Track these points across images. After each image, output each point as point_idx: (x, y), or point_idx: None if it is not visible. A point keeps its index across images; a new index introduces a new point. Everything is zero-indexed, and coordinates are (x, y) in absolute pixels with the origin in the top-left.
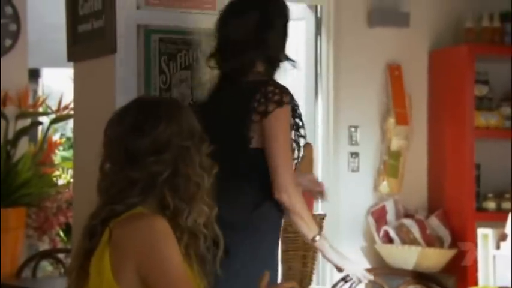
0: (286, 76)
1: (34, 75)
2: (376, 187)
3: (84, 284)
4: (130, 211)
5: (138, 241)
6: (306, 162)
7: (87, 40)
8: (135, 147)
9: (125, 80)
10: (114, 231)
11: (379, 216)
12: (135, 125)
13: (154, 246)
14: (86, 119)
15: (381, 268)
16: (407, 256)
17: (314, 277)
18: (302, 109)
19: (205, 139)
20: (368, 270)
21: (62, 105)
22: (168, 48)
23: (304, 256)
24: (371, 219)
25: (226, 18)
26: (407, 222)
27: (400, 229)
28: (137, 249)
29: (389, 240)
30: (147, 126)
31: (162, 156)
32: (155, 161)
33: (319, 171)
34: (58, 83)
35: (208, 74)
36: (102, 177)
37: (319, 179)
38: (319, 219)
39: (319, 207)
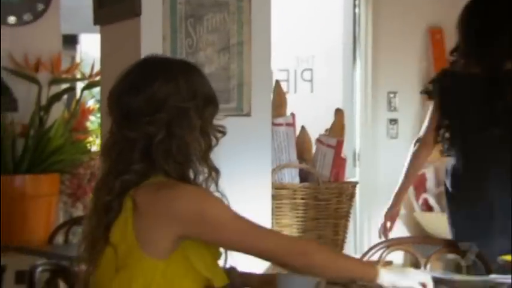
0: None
1: (72, 41)
2: None
3: (100, 256)
4: (149, 180)
5: (178, 209)
6: (337, 128)
7: (112, 3)
8: (130, 106)
9: (150, 43)
10: (139, 199)
11: (418, 184)
12: (132, 83)
13: (200, 212)
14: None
15: (420, 237)
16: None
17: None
18: (339, 75)
19: (212, 103)
20: (406, 238)
21: (95, 71)
22: (194, 10)
23: (335, 224)
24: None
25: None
26: None
27: (440, 197)
28: (180, 217)
29: (428, 208)
30: (143, 84)
31: (155, 116)
32: (149, 121)
33: (357, 137)
34: (96, 49)
35: (235, 37)
36: (107, 138)
37: (358, 146)
38: (351, 187)
39: (356, 173)
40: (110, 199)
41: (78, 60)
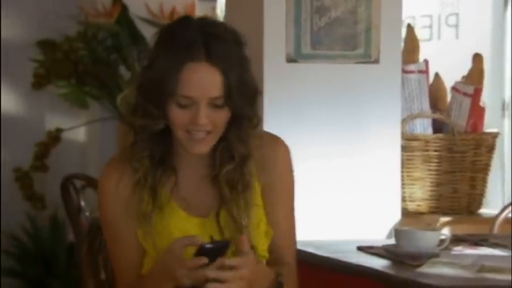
0: None
1: None
2: None
3: None
4: None
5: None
6: (475, 74)
7: None
8: None
9: None
10: None
11: None
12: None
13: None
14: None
15: None
16: None
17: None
18: (489, 19)
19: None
20: None
21: None
22: None
23: (472, 178)
24: None
25: None
26: None
27: None
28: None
29: None
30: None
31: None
32: None
33: (507, 85)
34: None
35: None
36: None
37: (507, 94)
38: (491, 138)
39: (505, 124)
40: None
41: (218, 11)
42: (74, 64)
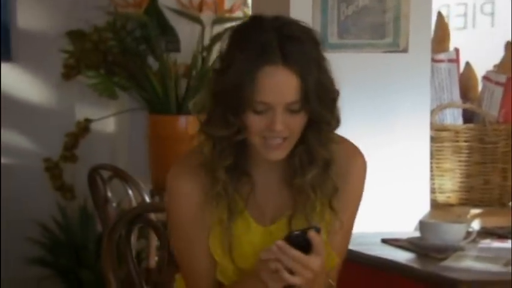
0: None
1: None
2: None
3: None
4: None
5: None
6: (508, 63)
7: None
8: None
9: None
10: None
11: None
12: None
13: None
14: None
15: None
16: None
17: None
18: None
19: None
20: None
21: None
22: None
23: (504, 169)
24: None
25: None
26: None
27: None
28: None
29: None
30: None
31: None
32: None
33: None
34: None
35: None
36: None
37: None
38: None
39: None
40: None
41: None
42: (103, 54)
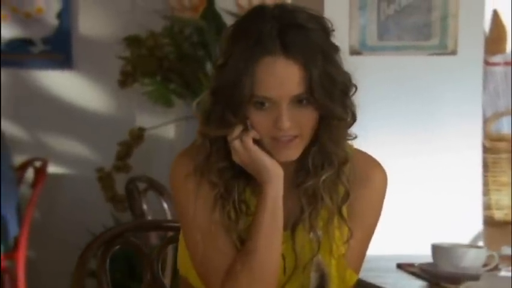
0: None
1: None
2: None
3: None
4: None
5: None
6: None
7: None
8: None
9: None
10: None
11: None
12: None
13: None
14: None
15: None
16: None
17: None
18: None
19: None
20: None
21: None
22: None
23: None
24: None
25: None
26: None
27: None
28: None
29: None
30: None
31: None
32: None
33: None
34: None
35: None
36: None
37: None
38: None
39: None
40: None
41: None
42: (159, 60)
